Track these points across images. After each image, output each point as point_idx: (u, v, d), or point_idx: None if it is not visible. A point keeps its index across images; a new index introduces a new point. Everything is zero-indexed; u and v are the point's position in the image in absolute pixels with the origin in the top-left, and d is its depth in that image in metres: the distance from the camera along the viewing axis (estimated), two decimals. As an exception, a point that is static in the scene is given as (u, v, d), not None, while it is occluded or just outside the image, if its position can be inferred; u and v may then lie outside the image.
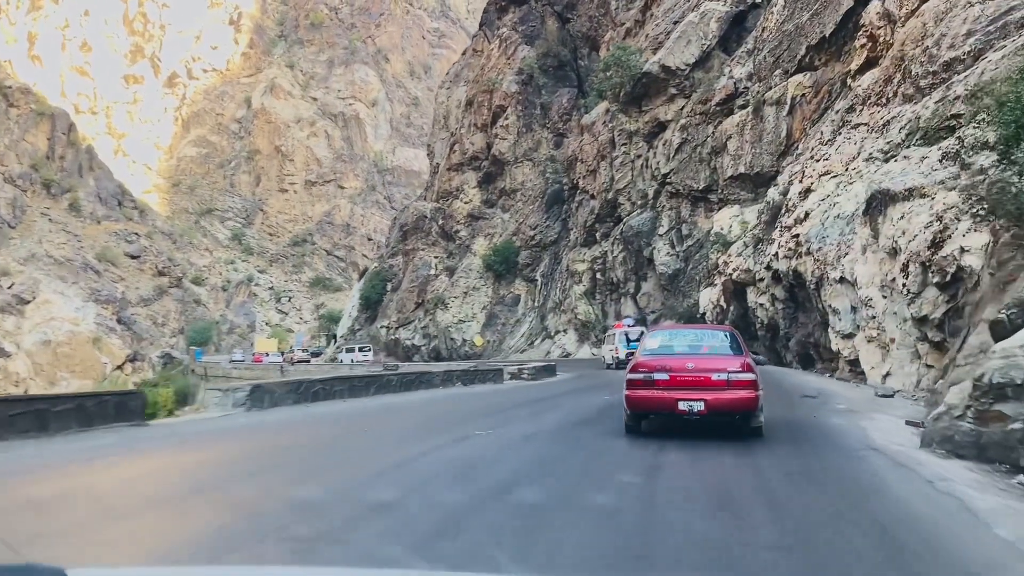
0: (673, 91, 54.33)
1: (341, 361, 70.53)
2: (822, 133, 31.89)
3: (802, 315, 31.25)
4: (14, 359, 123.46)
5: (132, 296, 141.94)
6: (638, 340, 38.03)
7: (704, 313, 45.78)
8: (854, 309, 24.21)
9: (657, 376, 11.02)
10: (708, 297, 45.56)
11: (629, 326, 40.69)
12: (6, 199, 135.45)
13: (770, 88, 45.68)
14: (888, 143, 25.85)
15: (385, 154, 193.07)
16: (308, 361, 78.44)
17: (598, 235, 60.01)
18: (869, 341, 23.12)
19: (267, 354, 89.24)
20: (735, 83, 49.50)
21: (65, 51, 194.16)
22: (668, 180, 54.10)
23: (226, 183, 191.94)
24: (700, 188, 51.83)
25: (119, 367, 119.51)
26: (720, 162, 49.71)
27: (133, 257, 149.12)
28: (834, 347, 25.19)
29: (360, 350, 72.27)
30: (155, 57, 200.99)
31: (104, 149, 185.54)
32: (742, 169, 47.35)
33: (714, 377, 10.77)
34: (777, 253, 31.44)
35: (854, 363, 24.25)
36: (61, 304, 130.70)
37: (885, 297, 22.32)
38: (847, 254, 24.74)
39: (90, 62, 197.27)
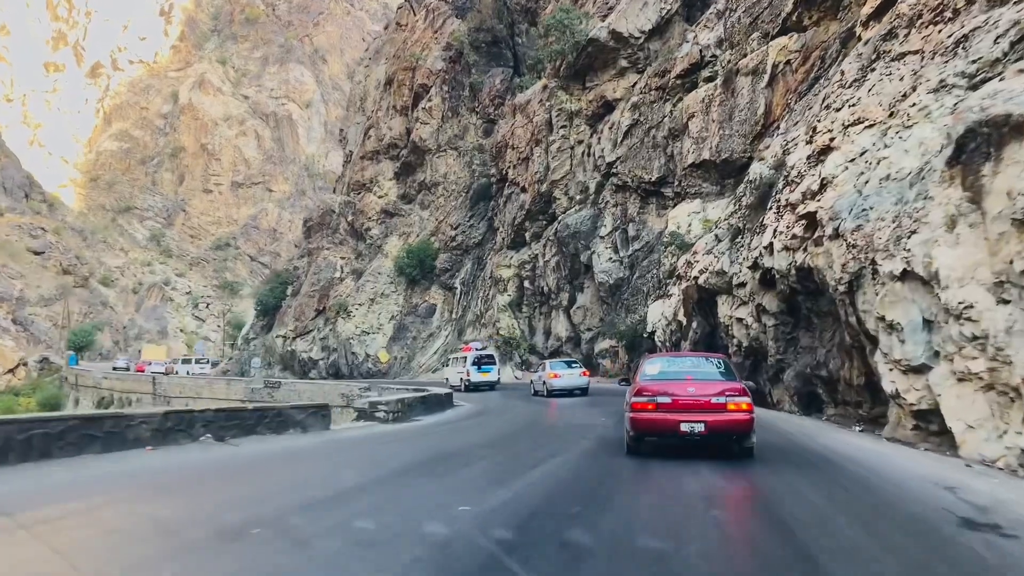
0: (624, 63, 44.09)
1: (177, 373, 63.10)
2: (843, 73, 21.77)
3: (806, 335, 20.90)
4: None
5: (31, 295, 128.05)
6: (488, 364, 37.22)
7: (654, 332, 35.39)
8: (928, 324, 13.91)
9: (660, 399, 11.55)
10: (659, 312, 35.20)
11: (478, 350, 39.82)
12: None
13: (745, 55, 35.91)
14: (975, 61, 15.71)
15: (318, 158, 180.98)
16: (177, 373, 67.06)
17: (528, 235, 49.42)
18: (963, 379, 12.81)
19: (150, 363, 77.56)
20: (700, 51, 39.39)
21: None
22: (614, 170, 43.76)
23: (147, 180, 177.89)
24: (653, 179, 41.56)
25: (11, 371, 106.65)
26: (679, 147, 39.57)
27: (37, 253, 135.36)
28: (888, 386, 14.72)
29: (198, 362, 66.07)
30: (79, 45, 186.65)
31: (18, 139, 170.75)
32: (706, 155, 37.26)
33: (713, 400, 11.45)
34: (771, 245, 21.13)
35: (926, 415, 13.93)
36: None
37: (1005, 303, 12.06)
38: (915, 232, 14.46)
39: (8, 47, 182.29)
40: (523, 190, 49.21)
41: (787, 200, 21.16)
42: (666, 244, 37.75)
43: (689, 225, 37.07)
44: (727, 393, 11.56)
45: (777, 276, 21.05)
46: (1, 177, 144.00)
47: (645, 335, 37.45)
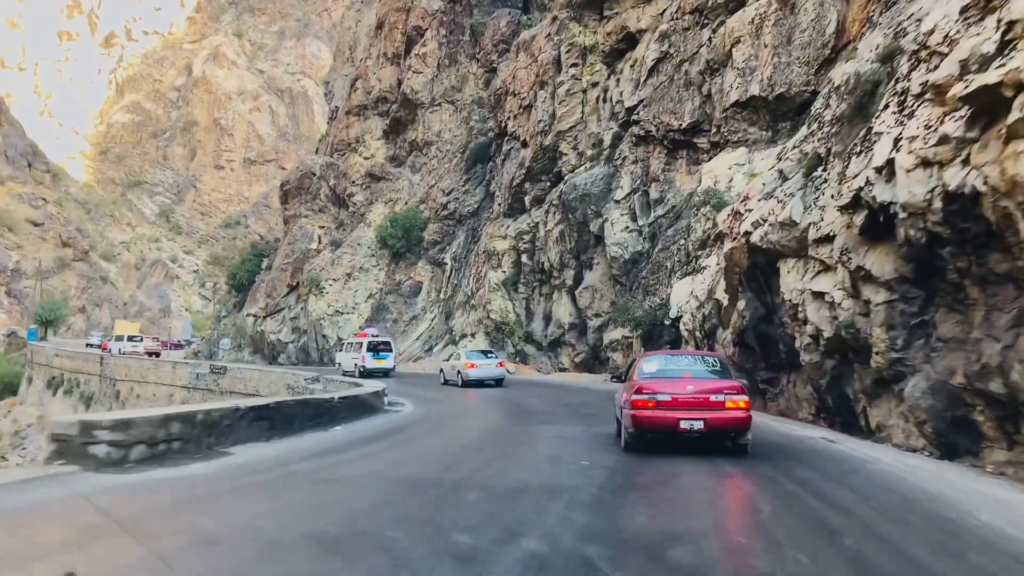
0: (652, -15, 34.76)
1: (110, 351, 55.32)
2: None
3: (951, 319, 11.66)
4: None
5: (28, 267, 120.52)
6: (384, 352, 35.72)
7: (679, 318, 26.30)
8: None
9: (660, 397, 11.56)
10: (687, 292, 26.07)
11: (374, 335, 37.98)
12: None
13: (810, -43, 26.72)
14: None
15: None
16: (156, 354, 58.46)
17: (527, 200, 40.20)
18: None
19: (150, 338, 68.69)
20: (750, -42, 30.02)
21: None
22: (635, 117, 34.46)
23: (158, 155, 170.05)
24: (683, 126, 32.19)
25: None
26: (718, 84, 30.28)
27: (36, 224, 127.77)
28: None
29: (130, 339, 57.83)
30: (93, 14, 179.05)
31: (29, 109, 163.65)
32: (755, 90, 28.05)
33: (712, 398, 11.49)
34: (890, 163, 12.05)
35: None
36: None
37: None
38: None
39: (22, 13, 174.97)
40: (523, 144, 39.97)
41: (924, 85, 11.92)
42: (698, 205, 28.52)
43: (730, 181, 27.82)
44: (725, 391, 11.56)
45: (900, 217, 11.84)
46: (3, 145, 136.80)
47: (667, 322, 28.26)
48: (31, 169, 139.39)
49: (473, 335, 40.34)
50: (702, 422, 11.34)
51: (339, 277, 47.55)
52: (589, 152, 36.64)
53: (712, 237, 23.67)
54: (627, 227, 34.50)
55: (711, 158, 30.02)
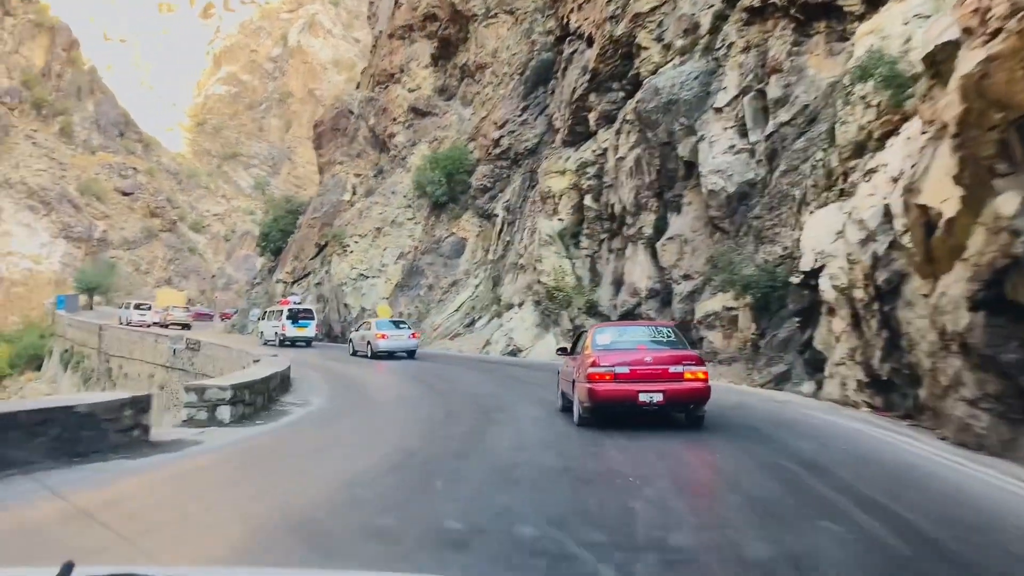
0: None
1: (120, 320, 49.93)
2: None
3: None
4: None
5: (115, 237, 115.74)
6: (305, 319, 34.56)
7: (818, 271, 14.75)
8: None
9: (619, 370, 11.12)
10: (833, 228, 14.47)
11: (296, 303, 36.54)
12: None
13: None
14: None
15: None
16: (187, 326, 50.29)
17: (592, 118, 28.66)
18: None
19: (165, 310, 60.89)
20: None
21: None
22: (747, -19, 22.62)
23: (254, 127, 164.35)
24: (823, -20, 20.22)
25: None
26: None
27: (125, 194, 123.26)
28: None
29: (137, 307, 52.24)
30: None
31: (128, 80, 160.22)
32: None
33: (671, 369, 11.11)
34: None
35: None
36: (24, 238, 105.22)
37: None
38: None
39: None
40: (588, 43, 28.45)
41: None
42: (849, 86, 16.64)
43: (907, 42, 15.85)
44: (684, 362, 11.25)
45: None
46: (96, 114, 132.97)
47: (794, 281, 16.76)
48: (122, 138, 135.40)
49: (520, 304, 29.33)
50: (661, 394, 10.96)
51: (366, 232, 37.23)
52: (679, 43, 24.95)
53: (870, 143, 12.11)
54: (732, 146, 22.84)
55: (869, 16, 18.06)
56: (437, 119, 40.50)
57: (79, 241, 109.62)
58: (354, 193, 41.03)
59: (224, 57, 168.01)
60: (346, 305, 36.68)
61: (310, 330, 34.21)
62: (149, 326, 48.78)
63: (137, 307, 51.41)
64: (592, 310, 27.51)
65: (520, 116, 35.65)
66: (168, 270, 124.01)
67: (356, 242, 37.33)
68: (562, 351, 15.15)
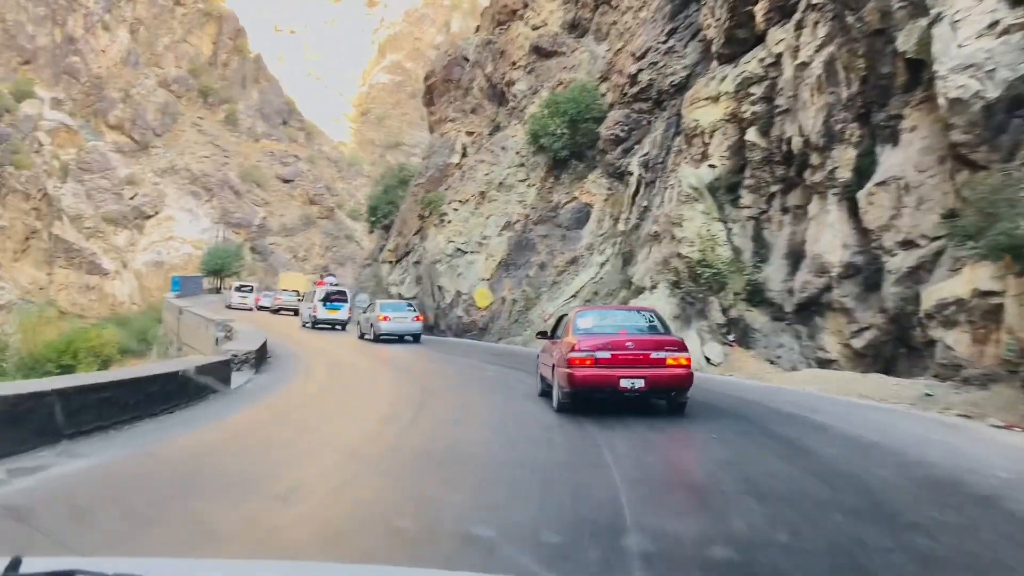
0: None
1: (229, 305, 46.46)
2: None
3: None
4: (114, 279, 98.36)
5: (274, 223, 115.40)
6: (337, 302, 33.20)
7: None
8: None
9: (600, 355, 10.60)
10: None
11: (332, 284, 36.93)
12: (156, 104, 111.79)
13: None
14: None
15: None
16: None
17: (759, 15, 19.35)
18: None
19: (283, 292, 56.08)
20: None
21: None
22: None
23: (417, 116, 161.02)
24: None
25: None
26: None
27: (286, 181, 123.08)
28: None
29: (239, 289, 49.66)
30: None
31: (297, 72, 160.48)
32: None
33: (653, 355, 10.64)
34: None
35: None
36: (186, 223, 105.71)
37: None
38: None
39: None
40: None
41: None
42: None
43: None
44: (667, 347, 10.69)
45: None
46: (260, 102, 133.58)
47: None
48: (285, 127, 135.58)
49: (652, 288, 20.55)
50: (643, 380, 10.41)
51: (468, 198, 29.40)
52: None
53: None
54: (994, 23, 13.44)
55: None
56: (564, 59, 32.02)
57: (238, 227, 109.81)
58: (464, 155, 33.19)
59: (389, 46, 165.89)
60: (440, 288, 28.90)
61: (342, 313, 32.77)
62: (251, 310, 43.81)
63: (239, 289, 46.57)
64: (756, 296, 18.47)
65: (665, 42, 26.66)
66: (325, 257, 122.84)
67: (455, 210, 29.55)
68: (542, 335, 14.01)
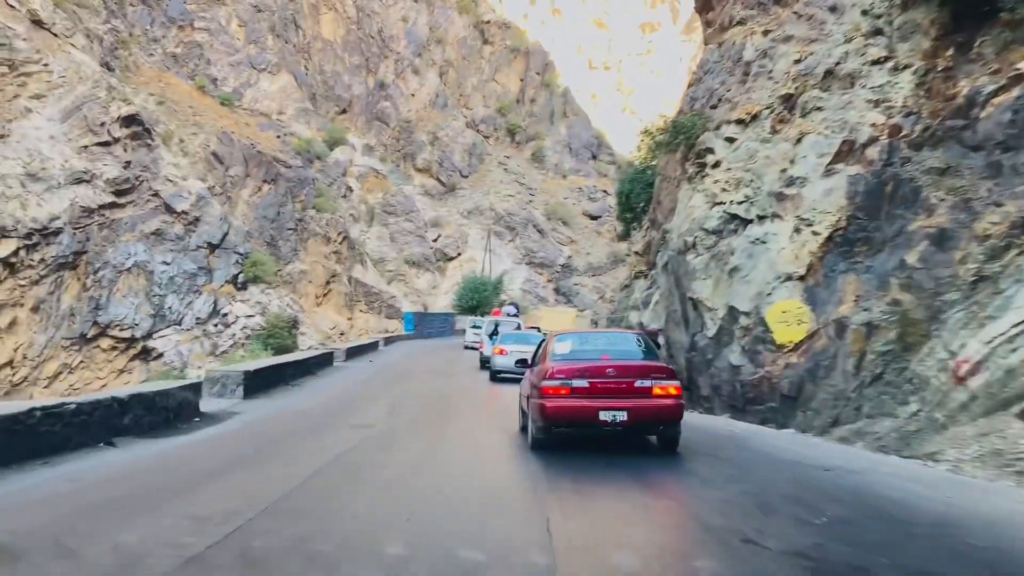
0: None
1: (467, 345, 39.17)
2: None
3: None
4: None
5: (579, 262, 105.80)
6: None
7: None
8: None
9: (576, 383, 9.19)
10: None
11: (510, 314, 33.05)
12: (464, 145, 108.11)
13: None
14: None
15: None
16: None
17: None
18: None
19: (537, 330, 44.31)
20: None
21: (585, 2, 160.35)
22: None
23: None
24: None
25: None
26: None
27: (593, 218, 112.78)
28: None
29: (475, 326, 37.89)
30: (675, 0, 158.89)
31: (612, 108, 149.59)
32: None
33: (637, 384, 9.19)
34: None
35: None
36: (486, 263, 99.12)
37: None
38: None
39: (608, 11, 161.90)
40: None
41: None
42: None
43: None
44: (653, 375, 9.20)
45: None
46: (568, 137, 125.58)
47: None
48: (595, 161, 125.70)
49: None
50: (625, 412, 8.93)
51: (756, 111, 13.24)
52: None
53: None
54: None
55: None
56: None
57: (541, 267, 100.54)
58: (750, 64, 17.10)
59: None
60: (693, 302, 12.88)
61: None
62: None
63: (474, 326, 35.16)
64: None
65: None
66: (619, 292, 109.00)
67: (729, 142, 13.59)
68: (522, 363, 13.43)
